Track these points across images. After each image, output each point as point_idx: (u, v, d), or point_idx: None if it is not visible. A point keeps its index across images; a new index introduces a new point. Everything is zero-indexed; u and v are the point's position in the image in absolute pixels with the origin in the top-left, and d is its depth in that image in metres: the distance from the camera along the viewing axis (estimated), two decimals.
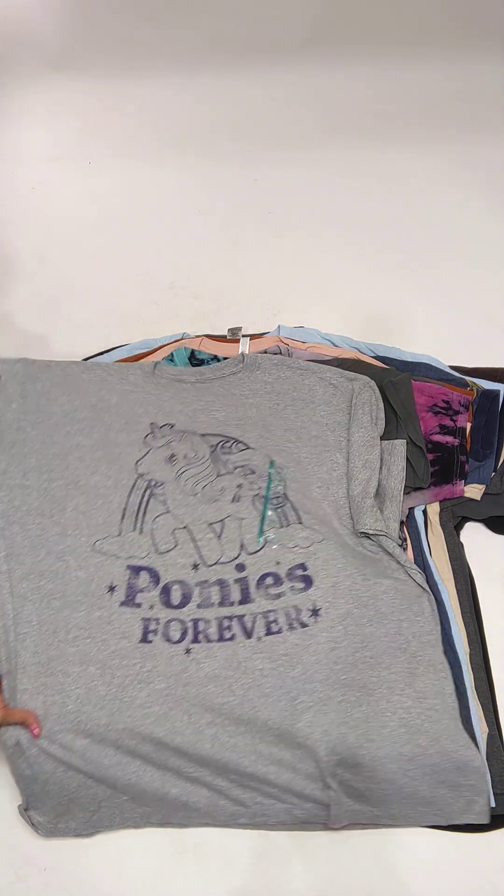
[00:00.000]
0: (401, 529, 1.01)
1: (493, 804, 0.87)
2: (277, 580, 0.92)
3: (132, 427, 1.02)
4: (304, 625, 0.89)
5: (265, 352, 1.11)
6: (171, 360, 1.12)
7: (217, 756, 0.84)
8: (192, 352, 1.13)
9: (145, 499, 0.97)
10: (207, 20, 1.64)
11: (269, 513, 0.96)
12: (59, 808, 0.86)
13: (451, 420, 1.04)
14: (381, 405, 1.03)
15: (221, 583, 0.93)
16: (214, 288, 1.31)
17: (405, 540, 1.01)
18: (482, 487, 1.04)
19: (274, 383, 1.06)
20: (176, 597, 0.92)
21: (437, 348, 1.16)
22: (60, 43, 1.64)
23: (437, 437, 1.04)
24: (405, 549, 1.00)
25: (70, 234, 1.38)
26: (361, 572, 0.92)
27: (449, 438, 1.04)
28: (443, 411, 1.05)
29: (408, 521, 1.03)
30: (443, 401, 1.05)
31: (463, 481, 1.03)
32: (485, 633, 0.99)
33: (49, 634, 0.90)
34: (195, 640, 0.90)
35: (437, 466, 1.03)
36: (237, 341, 1.14)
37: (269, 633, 0.90)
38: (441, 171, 1.43)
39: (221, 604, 0.92)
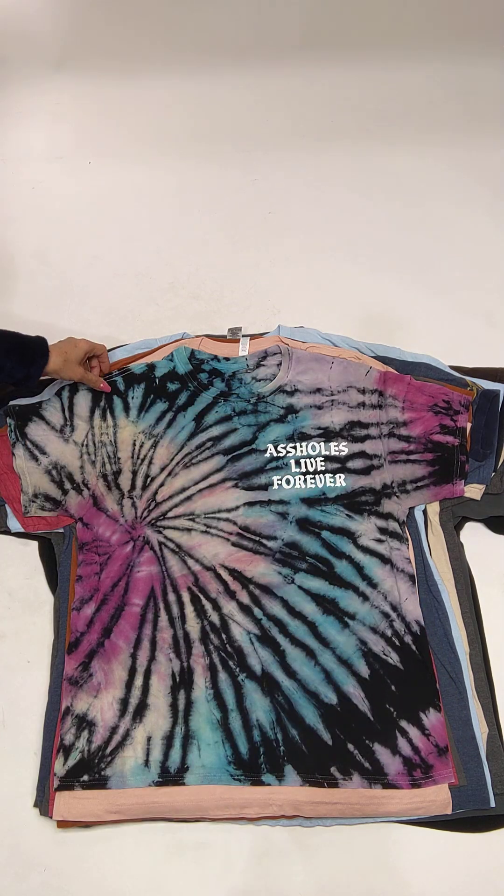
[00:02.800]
0: (401, 530, 1.01)
1: (492, 804, 0.88)
2: None
3: None
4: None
5: (266, 353, 1.11)
6: (171, 360, 1.12)
7: None
8: (192, 352, 1.12)
9: None
10: (207, 20, 1.64)
11: None
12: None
13: (452, 420, 1.04)
14: None
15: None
16: (214, 288, 1.31)
17: (406, 540, 1.01)
18: (482, 487, 1.04)
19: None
20: None
21: (437, 348, 1.16)
22: (60, 43, 1.64)
23: (438, 437, 1.04)
24: (406, 549, 1.01)
25: (70, 234, 1.38)
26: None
27: (449, 438, 1.04)
28: (443, 411, 1.05)
29: (408, 521, 1.03)
30: (443, 401, 1.05)
31: (463, 481, 1.03)
32: (485, 632, 0.99)
33: None
34: None
35: (437, 466, 1.03)
36: (237, 341, 1.14)
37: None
38: (441, 171, 1.43)
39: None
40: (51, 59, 1.62)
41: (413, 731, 0.90)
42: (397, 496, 1.02)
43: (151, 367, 1.12)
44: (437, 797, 0.87)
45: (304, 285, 1.30)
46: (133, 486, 1.04)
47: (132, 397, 1.10)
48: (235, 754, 0.89)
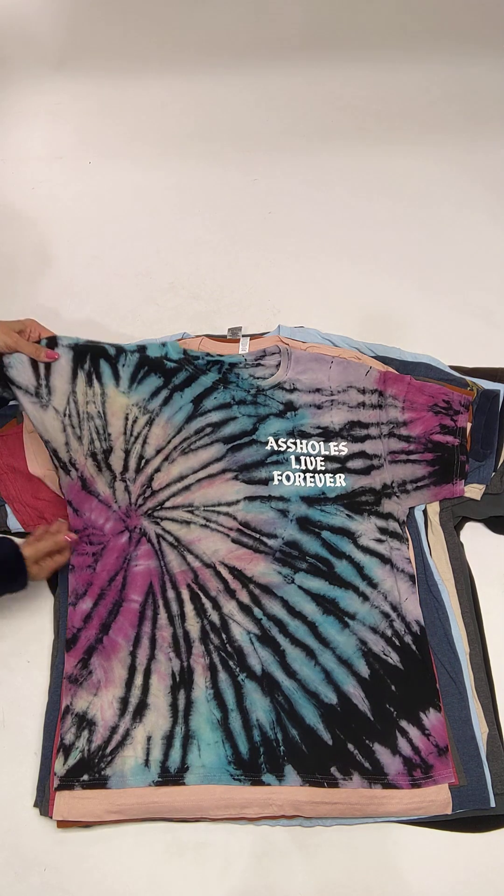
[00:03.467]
0: (401, 530, 1.01)
1: (492, 804, 0.88)
2: None
3: None
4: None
5: (264, 352, 1.11)
6: (164, 346, 1.07)
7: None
8: (184, 350, 1.08)
9: None
10: (207, 20, 1.64)
11: None
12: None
13: (452, 420, 1.04)
14: None
15: None
16: (214, 288, 1.31)
17: (406, 540, 1.01)
18: (482, 487, 1.04)
19: None
20: None
21: (437, 348, 1.16)
22: (60, 43, 1.64)
23: (438, 437, 1.04)
24: (406, 548, 1.01)
25: (70, 234, 1.38)
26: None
27: (449, 438, 1.04)
28: (443, 411, 1.05)
29: (408, 521, 1.03)
30: (443, 401, 1.05)
31: (463, 481, 1.03)
32: (485, 632, 0.99)
33: None
34: None
35: (437, 466, 1.03)
36: (237, 341, 1.14)
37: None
38: (441, 171, 1.43)
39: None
40: (51, 59, 1.62)
41: (413, 731, 0.90)
42: (397, 496, 1.02)
43: (143, 347, 1.06)
44: (437, 797, 0.87)
45: (304, 285, 1.30)
46: (126, 468, 1.01)
47: (123, 365, 1.04)
48: (235, 754, 0.89)
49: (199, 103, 1.55)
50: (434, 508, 1.05)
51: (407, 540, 1.01)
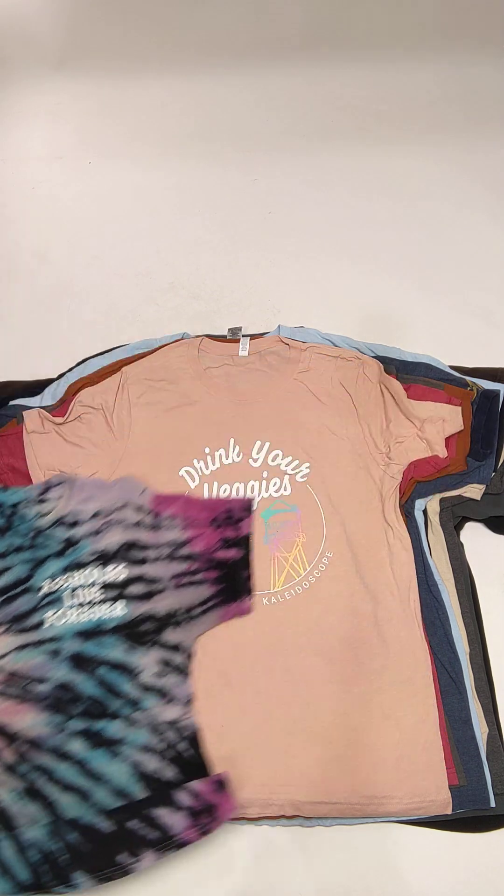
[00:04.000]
0: (187, 662, 0.95)
1: (492, 804, 0.88)
2: None
3: None
4: None
5: (48, 486, 1.03)
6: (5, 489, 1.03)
7: None
8: None
9: None
10: (207, 20, 1.64)
11: None
12: None
13: (234, 529, 1.00)
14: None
15: None
16: (214, 288, 1.31)
17: (189, 674, 0.95)
18: (482, 487, 1.04)
19: None
20: None
21: (437, 348, 1.16)
22: (60, 43, 1.64)
23: (220, 554, 0.99)
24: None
25: (70, 234, 1.39)
26: None
27: (232, 553, 0.99)
28: (225, 522, 1.00)
29: (408, 522, 1.03)
30: (224, 511, 1.01)
31: (250, 597, 0.97)
32: (485, 632, 0.99)
33: None
34: None
35: (222, 584, 0.97)
36: (237, 341, 1.14)
37: None
38: (441, 171, 1.43)
39: None
40: (51, 59, 1.62)
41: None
42: (183, 623, 0.96)
43: None
44: (437, 797, 0.87)
45: (304, 285, 1.31)
46: None
47: None
48: (17, 885, 0.80)
49: (199, 103, 1.55)
50: (434, 508, 1.05)
51: (189, 674, 0.94)
